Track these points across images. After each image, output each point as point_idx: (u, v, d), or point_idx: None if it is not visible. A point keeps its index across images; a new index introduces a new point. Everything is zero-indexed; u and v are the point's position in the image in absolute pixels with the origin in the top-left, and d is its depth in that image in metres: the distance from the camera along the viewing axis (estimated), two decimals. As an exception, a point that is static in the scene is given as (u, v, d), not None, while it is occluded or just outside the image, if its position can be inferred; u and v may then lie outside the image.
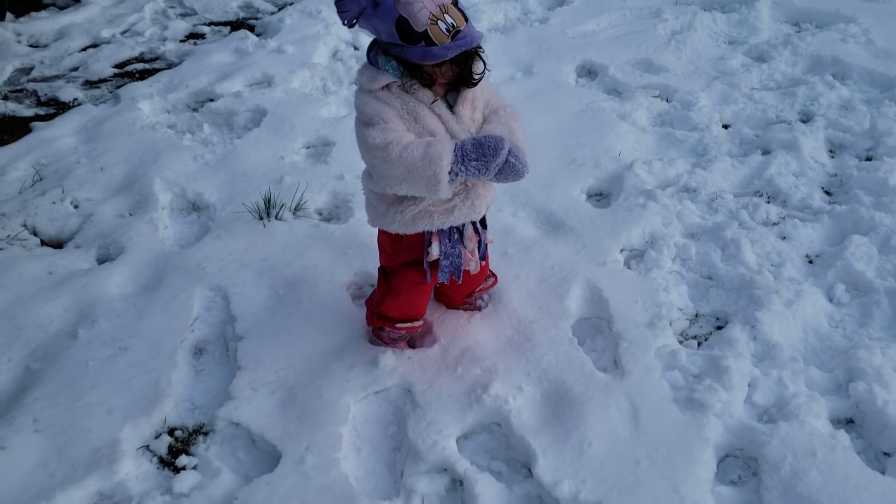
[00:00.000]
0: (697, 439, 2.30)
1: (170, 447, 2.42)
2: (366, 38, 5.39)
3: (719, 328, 2.80)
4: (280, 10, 6.33)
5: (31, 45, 5.82)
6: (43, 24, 6.06)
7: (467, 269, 2.42)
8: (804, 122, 4.07)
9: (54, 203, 3.61)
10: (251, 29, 5.96)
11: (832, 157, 3.84)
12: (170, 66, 5.33)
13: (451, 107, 2.16)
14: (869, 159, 3.74)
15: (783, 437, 2.28)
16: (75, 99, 4.89)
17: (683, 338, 2.78)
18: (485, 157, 2.03)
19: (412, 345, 2.70)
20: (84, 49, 5.71)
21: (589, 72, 4.93)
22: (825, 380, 2.55)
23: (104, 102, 4.77)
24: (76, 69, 5.37)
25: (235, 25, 6.12)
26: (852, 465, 2.20)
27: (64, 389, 2.56)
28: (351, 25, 2.04)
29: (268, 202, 3.39)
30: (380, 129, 2.07)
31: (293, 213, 3.41)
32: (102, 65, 5.35)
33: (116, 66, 5.40)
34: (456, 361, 2.60)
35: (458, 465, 2.28)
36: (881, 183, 3.45)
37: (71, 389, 2.56)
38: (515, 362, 2.59)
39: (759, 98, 4.35)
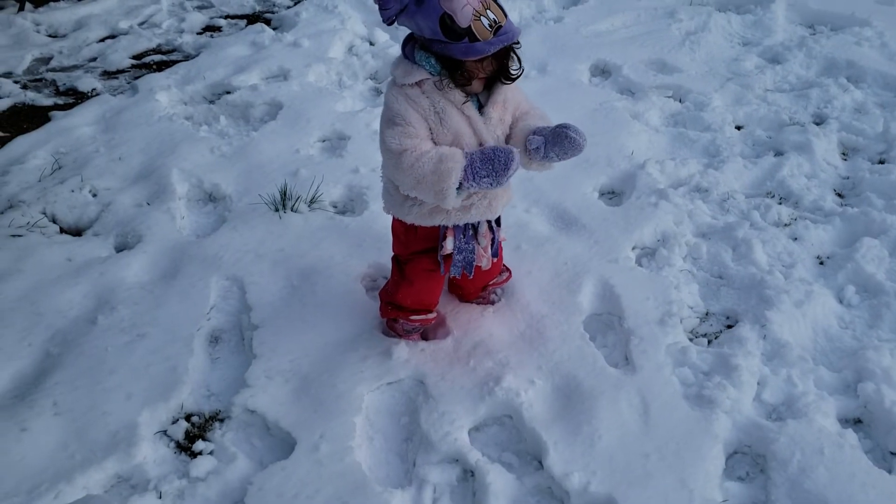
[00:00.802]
0: (706, 435, 2.33)
1: (186, 432, 2.47)
2: (382, 35, 5.42)
3: (729, 327, 2.83)
4: (296, 4, 6.36)
5: (50, 35, 5.88)
6: (61, 14, 6.12)
7: (479, 264, 2.46)
8: (817, 124, 4.08)
9: (73, 191, 3.67)
10: (267, 22, 6.00)
11: (845, 159, 3.85)
12: (187, 57, 5.38)
13: (481, 107, 2.19)
14: (882, 162, 3.76)
15: (791, 435, 2.30)
16: (94, 89, 4.94)
17: (694, 335, 2.81)
18: (495, 171, 2.04)
19: (425, 337, 2.73)
20: (102, 40, 5.77)
21: (603, 71, 4.94)
22: (834, 380, 2.58)
23: (122, 93, 4.82)
24: (94, 59, 5.43)
25: (252, 19, 6.17)
26: (859, 464, 2.23)
27: (83, 374, 2.61)
28: (391, 23, 2.05)
29: (284, 194, 3.43)
30: (399, 133, 2.10)
31: (308, 206, 3.45)
32: (120, 56, 5.41)
33: (134, 58, 5.45)
34: (468, 354, 2.64)
35: (470, 455, 2.32)
36: (893, 186, 3.46)
37: (90, 374, 2.61)
38: (528, 356, 2.63)
39: (773, 100, 4.36)
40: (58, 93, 4.93)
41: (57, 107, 4.71)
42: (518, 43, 2.09)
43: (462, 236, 2.38)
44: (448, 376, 2.56)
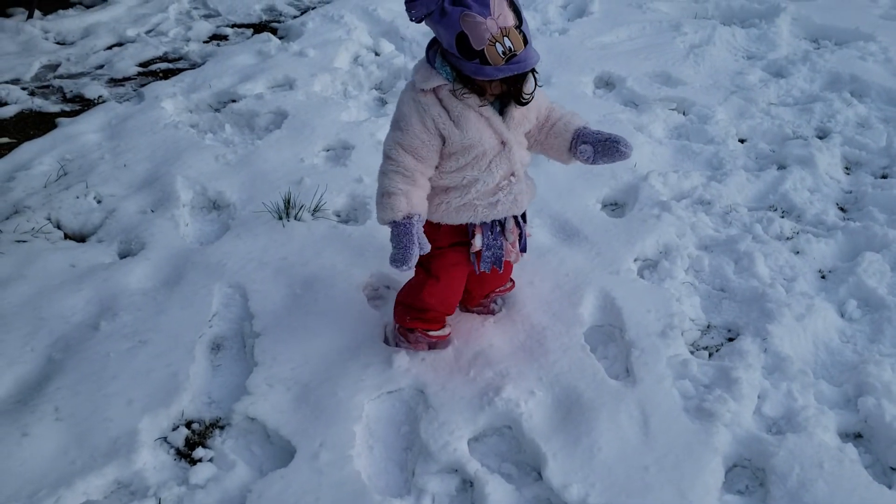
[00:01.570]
0: (706, 448, 2.32)
1: (187, 439, 2.48)
2: (387, 45, 5.45)
3: (730, 340, 2.83)
4: (302, 13, 6.41)
5: (58, 43, 5.93)
6: (70, 22, 6.17)
7: (508, 259, 2.53)
8: (820, 138, 4.09)
9: (78, 198, 3.69)
10: (274, 32, 6.04)
11: (847, 173, 3.86)
12: (193, 66, 5.42)
13: (503, 107, 2.24)
14: (885, 177, 3.76)
15: (791, 449, 2.30)
16: (100, 96, 4.97)
17: (695, 348, 2.81)
18: (397, 252, 2.17)
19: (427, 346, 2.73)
20: (109, 47, 5.81)
21: (607, 83, 4.96)
22: (834, 394, 2.57)
23: (128, 100, 4.85)
24: (101, 67, 5.47)
25: (258, 28, 6.21)
26: (859, 479, 2.22)
27: (85, 379, 2.62)
28: (418, 21, 2.09)
29: (287, 203, 3.45)
30: (396, 141, 2.22)
31: (312, 214, 3.46)
32: (127, 63, 5.45)
33: (141, 65, 5.49)
34: (469, 364, 2.64)
35: (469, 466, 2.31)
36: (896, 201, 3.47)
37: (92, 380, 2.61)
38: (528, 367, 2.63)
39: (776, 113, 4.37)
40: (64, 100, 4.97)
41: (63, 113, 4.74)
42: (535, 71, 2.13)
43: (490, 233, 2.43)
44: (448, 386, 2.56)
